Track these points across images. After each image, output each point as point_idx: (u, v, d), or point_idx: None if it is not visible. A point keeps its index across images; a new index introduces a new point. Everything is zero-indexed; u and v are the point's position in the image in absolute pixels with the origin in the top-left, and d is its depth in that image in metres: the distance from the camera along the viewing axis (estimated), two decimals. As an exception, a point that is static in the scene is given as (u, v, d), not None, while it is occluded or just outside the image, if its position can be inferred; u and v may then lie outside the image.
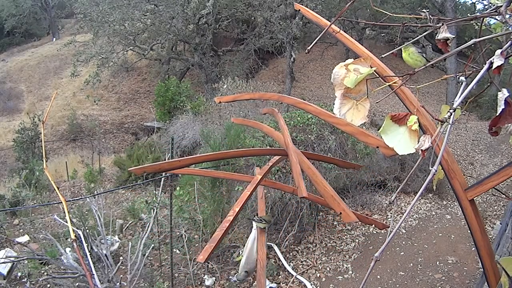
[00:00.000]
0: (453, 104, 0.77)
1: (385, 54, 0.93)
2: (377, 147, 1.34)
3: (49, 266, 4.99)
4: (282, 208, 5.49)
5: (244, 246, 4.74)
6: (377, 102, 0.94)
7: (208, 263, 5.00)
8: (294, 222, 5.53)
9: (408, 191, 7.04)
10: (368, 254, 5.21)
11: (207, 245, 1.25)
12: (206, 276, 4.83)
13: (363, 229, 5.98)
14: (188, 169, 1.97)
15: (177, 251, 5.33)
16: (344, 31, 1.41)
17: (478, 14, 0.90)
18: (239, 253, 5.02)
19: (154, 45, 15.03)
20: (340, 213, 1.43)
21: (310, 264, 5.07)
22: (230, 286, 4.65)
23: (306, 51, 1.07)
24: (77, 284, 4.17)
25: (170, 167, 1.74)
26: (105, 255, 3.96)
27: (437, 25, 0.85)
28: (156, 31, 13.73)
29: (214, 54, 15.74)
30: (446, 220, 6.10)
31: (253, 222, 4.61)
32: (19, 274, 5.02)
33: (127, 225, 6.65)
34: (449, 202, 6.95)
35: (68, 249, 4.57)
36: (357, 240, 5.65)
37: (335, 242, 5.63)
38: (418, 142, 0.78)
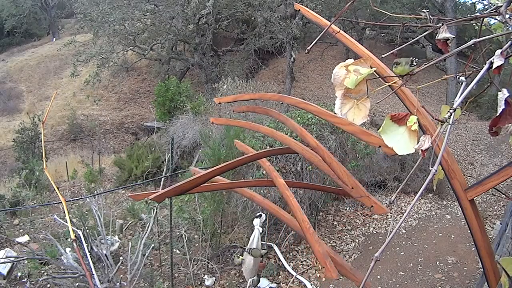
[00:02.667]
0: (453, 104, 0.77)
1: (385, 54, 0.94)
2: (379, 146, 1.34)
3: (49, 266, 4.99)
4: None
5: (244, 246, 4.75)
6: (377, 103, 0.94)
7: (208, 263, 5.00)
8: (294, 222, 5.52)
9: (408, 191, 7.04)
10: (368, 254, 5.21)
11: (328, 261, 1.23)
12: (206, 276, 4.83)
13: (363, 229, 5.98)
14: (210, 184, 1.87)
15: (177, 251, 5.33)
16: (344, 31, 1.41)
17: (478, 14, 0.90)
18: (238, 255, 5.00)
19: (154, 45, 15.03)
20: (372, 206, 1.47)
21: (310, 264, 5.07)
22: (230, 286, 4.65)
23: (306, 51, 1.07)
24: (77, 284, 4.17)
25: (192, 185, 1.62)
26: (105, 255, 3.95)
27: (437, 25, 0.85)
28: (156, 31, 13.73)
29: (214, 54, 15.74)
30: (446, 220, 6.10)
31: (254, 222, 4.60)
32: (19, 274, 5.01)
33: (127, 225, 6.65)
34: (449, 202, 6.95)
35: (68, 249, 4.57)
36: (357, 240, 5.65)
37: (335, 242, 5.63)
38: (418, 142, 0.78)
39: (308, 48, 1.06)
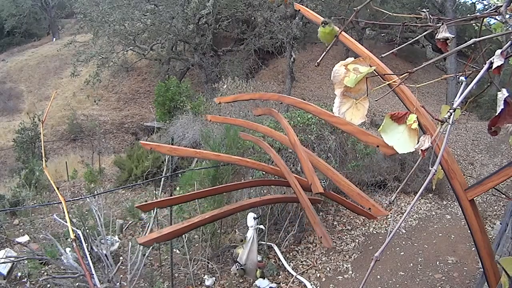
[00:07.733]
0: (453, 104, 0.77)
1: (385, 54, 0.93)
2: (377, 146, 1.35)
3: (49, 266, 4.98)
4: (282, 208, 5.49)
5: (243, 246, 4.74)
6: (376, 100, 0.94)
7: (208, 263, 5.00)
8: (294, 222, 5.52)
9: (408, 191, 7.04)
10: (368, 254, 5.21)
11: (315, 177, 1.24)
12: (206, 276, 4.83)
13: (363, 229, 5.98)
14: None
15: (177, 251, 5.33)
16: (344, 31, 1.41)
17: (478, 14, 0.90)
18: (237, 267, 4.90)
19: (154, 45, 15.03)
20: (369, 208, 1.47)
21: (310, 264, 5.07)
22: (230, 286, 4.64)
23: (316, 64, 1.06)
24: (77, 284, 4.17)
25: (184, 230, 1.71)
26: (105, 255, 3.95)
27: (437, 25, 0.85)
28: (156, 31, 13.73)
29: (214, 54, 15.73)
30: (446, 220, 6.10)
31: (249, 217, 4.58)
32: (19, 274, 5.01)
33: (127, 225, 6.65)
34: (449, 202, 6.95)
35: (68, 249, 4.57)
36: (357, 240, 5.64)
37: (335, 242, 5.63)
38: (418, 141, 0.78)
39: (318, 61, 1.04)
